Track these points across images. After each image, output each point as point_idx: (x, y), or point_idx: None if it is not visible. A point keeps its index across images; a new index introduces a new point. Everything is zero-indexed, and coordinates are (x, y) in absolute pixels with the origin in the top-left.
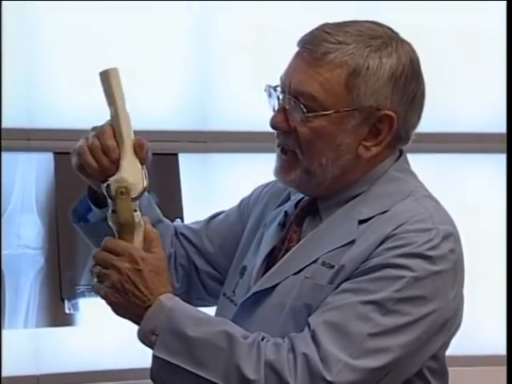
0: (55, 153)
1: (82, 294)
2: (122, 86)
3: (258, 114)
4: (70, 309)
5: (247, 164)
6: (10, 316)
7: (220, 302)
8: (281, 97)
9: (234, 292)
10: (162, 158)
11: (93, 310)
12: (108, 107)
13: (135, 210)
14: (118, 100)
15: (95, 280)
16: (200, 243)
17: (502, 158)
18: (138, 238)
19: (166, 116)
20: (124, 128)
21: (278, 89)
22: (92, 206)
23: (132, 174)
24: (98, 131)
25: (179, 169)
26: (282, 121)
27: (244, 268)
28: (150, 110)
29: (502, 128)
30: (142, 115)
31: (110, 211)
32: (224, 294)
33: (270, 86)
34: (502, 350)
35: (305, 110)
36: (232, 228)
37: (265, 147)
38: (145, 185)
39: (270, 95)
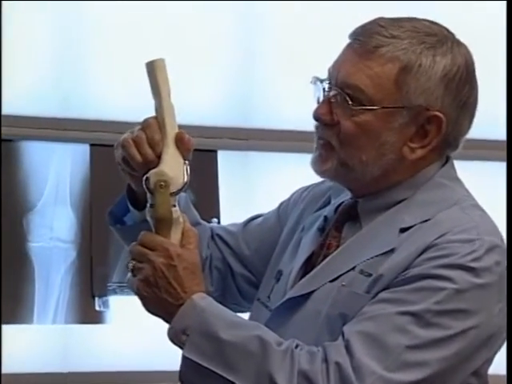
0: (92, 144)
1: (114, 292)
2: (168, 78)
3: (303, 113)
4: (100, 306)
5: (289, 164)
6: (38, 311)
7: (254, 307)
8: (327, 88)
9: (268, 297)
10: (201, 155)
11: (124, 309)
12: (153, 99)
13: (174, 206)
14: (163, 92)
15: (129, 274)
16: (236, 245)
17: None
18: (176, 235)
19: (207, 111)
20: (168, 120)
21: (325, 80)
22: (130, 208)
23: (173, 167)
24: (144, 124)
25: (218, 167)
26: (326, 113)
27: (279, 272)
28: (189, 103)
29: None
30: (181, 109)
31: (148, 205)
32: (258, 299)
33: (316, 78)
34: None
35: (350, 103)
36: (270, 231)
37: (308, 147)
38: (185, 180)
39: (315, 87)
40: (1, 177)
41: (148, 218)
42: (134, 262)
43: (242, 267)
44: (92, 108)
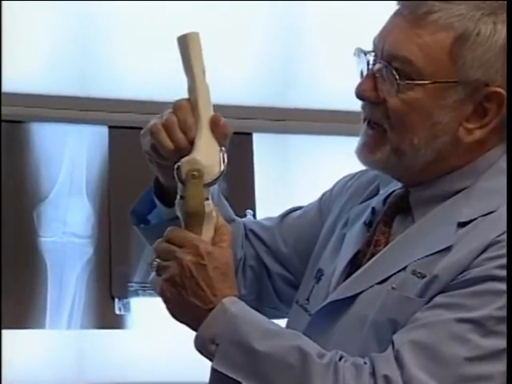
0: (111, 126)
1: (135, 293)
2: (202, 54)
3: (347, 92)
4: (120, 309)
5: (332, 148)
6: (51, 314)
7: (292, 311)
8: (371, 61)
9: (308, 300)
10: (234, 138)
11: (147, 312)
12: (186, 77)
13: (207, 199)
14: (197, 69)
15: (153, 274)
16: (272, 242)
17: None
18: (208, 232)
19: (240, 89)
20: (201, 101)
21: (370, 53)
22: (157, 203)
23: (207, 155)
24: (175, 106)
25: (253, 150)
26: (370, 89)
27: (320, 272)
28: (221, 81)
29: None
30: (213, 87)
31: (178, 197)
32: (297, 302)
33: (359, 49)
34: None
35: (397, 77)
36: (310, 226)
37: (355, 130)
38: (221, 169)
39: (359, 60)
40: (0, 163)
41: (177, 212)
42: (158, 261)
43: (280, 266)
44: (112, 86)
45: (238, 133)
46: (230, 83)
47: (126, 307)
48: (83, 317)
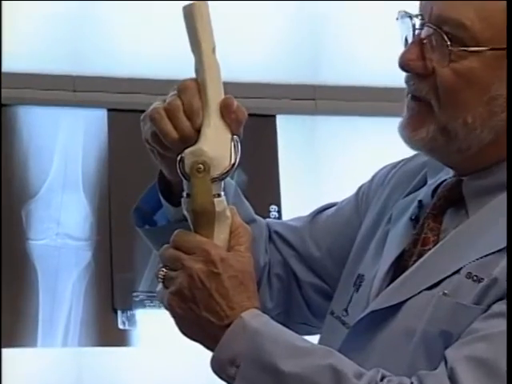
0: (110, 109)
1: (141, 304)
2: (211, 27)
3: (385, 66)
4: (124, 323)
5: (369, 131)
6: (44, 330)
7: (327, 324)
8: (418, 26)
9: (345, 310)
10: (255, 121)
11: (155, 327)
12: (192, 53)
13: (218, 195)
14: (205, 45)
15: (160, 285)
16: (302, 245)
17: None
18: (221, 234)
19: (262, 64)
20: (210, 82)
21: (416, 16)
22: (163, 202)
23: (216, 145)
24: (179, 88)
25: (277, 135)
26: (417, 58)
27: (360, 278)
28: (240, 55)
29: None
30: (231, 63)
31: (184, 195)
32: (332, 313)
33: (404, 12)
34: None
35: (449, 44)
36: (346, 225)
37: (395, 109)
38: (232, 161)
39: (403, 25)
40: None
41: (184, 212)
42: (165, 270)
43: (311, 273)
44: (110, 63)
45: (259, 115)
46: (250, 58)
47: (131, 321)
48: (81, 333)
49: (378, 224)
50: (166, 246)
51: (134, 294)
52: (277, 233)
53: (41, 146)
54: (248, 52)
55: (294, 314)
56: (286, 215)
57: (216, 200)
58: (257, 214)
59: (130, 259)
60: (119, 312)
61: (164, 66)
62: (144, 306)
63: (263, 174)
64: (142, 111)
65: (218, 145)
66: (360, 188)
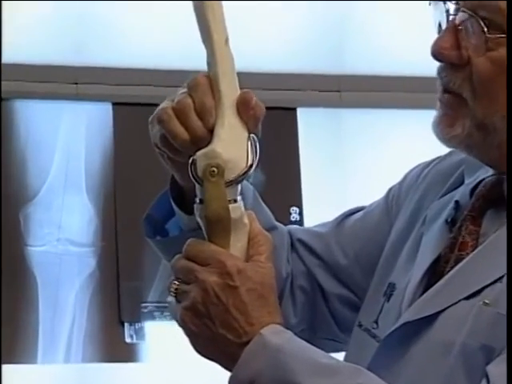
0: (115, 103)
1: (150, 316)
2: (223, 16)
3: (418, 52)
4: (131, 337)
5: (399, 125)
6: (44, 344)
7: (354, 337)
8: (452, 11)
9: (376, 322)
10: (274, 115)
11: (165, 341)
12: (204, 46)
13: (234, 201)
14: (217, 36)
15: (172, 299)
16: (327, 253)
17: None
18: (238, 242)
19: (281, 53)
20: (223, 76)
21: (450, 1)
22: (176, 209)
23: (230, 146)
24: (189, 85)
25: (298, 130)
26: (451, 47)
27: (391, 287)
28: (258, 43)
29: None
30: (247, 51)
31: (196, 201)
32: (360, 325)
33: None
34: None
35: (486, 30)
36: (375, 230)
37: (427, 101)
38: (249, 162)
39: (436, 10)
40: None
41: (197, 219)
42: (177, 283)
43: (337, 283)
44: (114, 53)
45: (278, 108)
46: (269, 46)
47: (139, 334)
48: (85, 347)
49: (411, 227)
50: (178, 256)
51: (143, 304)
52: (300, 240)
53: (40, 143)
54: (266, 40)
55: (319, 330)
56: (309, 218)
57: (232, 206)
58: (276, 217)
59: (138, 267)
60: (126, 325)
61: (173, 55)
62: (153, 318)
63: (283, 173)
64: (150, 105)
65: (233, 145)
66: (390, 190)
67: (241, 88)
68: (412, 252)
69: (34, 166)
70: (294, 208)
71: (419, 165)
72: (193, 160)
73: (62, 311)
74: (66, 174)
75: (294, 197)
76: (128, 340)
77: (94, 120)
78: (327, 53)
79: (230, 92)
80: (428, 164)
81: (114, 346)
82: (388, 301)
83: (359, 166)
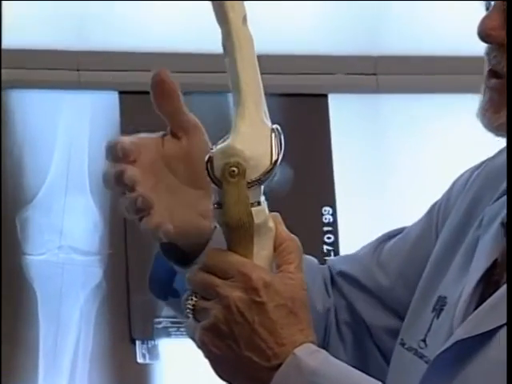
0: (122, 92)
1: (165, 333)
2: None
3: (462, 32)
4: (144, 356)
5: (443, 112)
6: (46, 365)
7: (397, 358)
8: None
9: (424, 341)
10: (303, 102)
11: (182, 361)
12: (218, 24)
13: (257, 203)
14: (233, 13)
15: (189, 317)
16: (368, 277)
17: None
18: (264, 251)
19: (311, 33)
20: (241, 60)
21: None
22: (177, 268)
23: (252, 140)
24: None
25: (330, 119)
26: (498, 26)
27: (441, 300)
28: (284, 23)
29: None
30: (273, 32)
31: (214, 205)
32: (402, 344)
33: None
34: None
35: None
36: (418, 245)
37: (474, 83)
38: (274, 158)
39: None
40: None
41: (216, 224)
42: (195, 299)
43: (382, 314)
44: (121, 36)
45: (307, 94)
46: (297, 25)
47: (152, 353)
48: (91, 369)
49: (463, 235)
50: (195, 267)
51: (156, 320)
52: (342, 274)
53: (38, 137)
54: (292, 18)
55: (371, 366)
56: (343, 219)
57: (255, 209)
58: (307, 219)
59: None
60: (138, 343)
61: (185, 37)
62: (168, 335)
63: (313, 168)
64: None
65: (254, 140)
66: (434, 204)
67: (265, 73)
68: (466, 259)
69: (32, 163)
70: (327, 208)
71: (468, 169)
72: (209, 158)
73: (64, 328)
74: (68, 173)
75: (326, 195)
76: (140, 360)
77: (98, 111)
78: (362, 32)
79: (249, 79)
80: (478, 166)
81: (124, 366)
82: (438, 317)
83: (399, 159)
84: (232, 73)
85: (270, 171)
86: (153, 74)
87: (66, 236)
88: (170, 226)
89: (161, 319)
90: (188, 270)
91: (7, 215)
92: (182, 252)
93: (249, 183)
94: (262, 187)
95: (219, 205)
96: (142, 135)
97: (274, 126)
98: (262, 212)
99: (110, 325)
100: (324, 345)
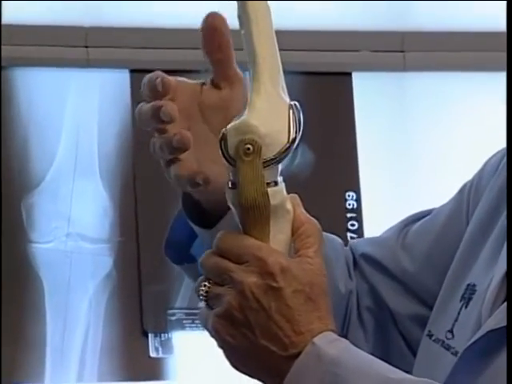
0: (133, 70)
1: (179, 325)
2: None
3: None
4: (157, 350)
5: (476, 91)
6: (53, 360)
7: (424, 350)
8: None
9: (451, 331)
10: (326, 81)
11: (196, 354)
12: None
13: (274, 183)
14: None
15: (202, 303)
16: (393, 261)
17: None
18: (281, 234)
19: (333, 7)
20: (258, 33)
21: None
22: (197, 230)
23: (268, 116)
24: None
25: (354, 99)
26: None
27: (470, 289)
28: None
29: None
30: (293, 6)
31: (228, 184)
32: (430, 335)
33: None
34: None
35: None
36: (447, 228)
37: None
38: (292, 136)
39: None
40: None
41: (230, 205)
42: (208, 285)
43: (407, 300)
44: (132, 11)
45: (330, 73)
46: (320, 1)
47: (166, 347)
48: (101, 364)
49: (494, 219)
50: (208, 252)
51: (169, 311)
52: (363, 255)
53: (45, 119)
54: None
55: (394, 358)
56: (367, 204)
57: (271, 190)
58: (329, 204)
59: (163, 267)
60: (151, 336)
61: (200, 12)
62: (182, 328)
63: (336, 151)
64: (175, 71)
65: (271, 116)
66: (464, 185)
67: (286, 50)
68: (497, 245)
69: (38, 146)
70: (350, 193)
71: (500, 150)
72: (223, 135)
73: (73, 320)
74: (76, 156)
75: (350, 180)
76: (153, 354)
77: (108, 90)
78: (388, 6)
79: (266, 52)
80: None
81: (137, 361)
82: (466, 306)
83: (428, 140)
84: (248, 46)
85: (287, 150)
86: (205, 17)
87: (74, 223)
88: (207, 174)
89: (174, 311)
90: (211, 231)
91: (12, 201)
92: (204, 212)
93: (264, 162)
94: (280, 167)
95: (233, 184)
96: (180, 79)
97: (293, 103)
98: (278, 193)
99: (121, 317)
100: (343, 331)
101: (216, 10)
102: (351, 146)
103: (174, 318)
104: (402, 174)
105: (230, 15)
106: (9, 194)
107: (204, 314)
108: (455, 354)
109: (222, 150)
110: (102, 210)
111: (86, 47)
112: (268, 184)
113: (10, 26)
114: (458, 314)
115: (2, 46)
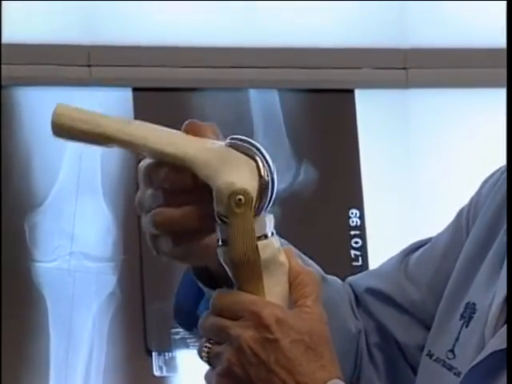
0: (135, 89)
1: (183, 344)
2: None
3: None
4: (161, 369)
5: (479, 108)
6: (56, 380)
7: (424, 369)
8: None
9: (452, 351)
10: (329, 98)
11: (201, 372)
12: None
13: (264, 237)
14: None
15: (205, 363)
16: (399, 293)
17: None
18: (277, 286)
19: (337, 25)
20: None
21: None
22: (204, 289)
23: (233, 173)
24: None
25: (356, 116)
26: None
27: (470, 307)
28: (309, 15)
29: None
30: (297, 24)
31: (218, 242)
32: (430, 355)
33: None
34: None
35: None
36: (447, 252)
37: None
38: (264, 180)
39: None
40: None
41: (222, 262)
42: (209, 345)
43: (417, 330)
44: (134, 30)
45: (333, 90)
46: (322, 17)
47: (170, 365)
48: (105, 382)
49: (492, 236)
50: (206, 313)
51: (173, 330)
52: (367, 290)
53: (47, 138)
54: (319, 10)
55: None
56: (371, 223)
57: (261, 243)
58: (333, 222)
59: (167, 285)
60: (154, 354)
61: (201, 30)
62: (186, 346)
63: (339, 168)
64: (177, 89)
65: (234, 171)
66: (461, 210)
67: (288, 67)
68: (495, 263)
69: (41, 164)
70: (354, 211)
71: (497, 169)
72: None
73: (77, 339)
74: (79, 175)
75: (354, 197)
76: (157, 373)
77: (111, 109)
78: (390, 23)
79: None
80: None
81: (140, 379)
82: (467, 325)
83: (430, 157)
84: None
85: (266, 189)
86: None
87: (78, 241)
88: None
89: (178, 329)
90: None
91: (15, 220)
92: (212, 275)
93: (255, 209)
94: (271, 220)
95: (224, 242)
96: None
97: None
98: (268, 246)
99: (125, 335)
100: (356, 372)
101: (216, 30)
102: (354, 163)
103: (177, 337)
104: (405, 191)
105: (228, 25)
106: (12, 212)
107: (208, 376)
108: (458, 374)
109: (218, 207)
110: (105, 229)
111: (89, 66)
112: (258, 238)
113: (13, 46)
114: (459, 333)
115: (5, 66)
